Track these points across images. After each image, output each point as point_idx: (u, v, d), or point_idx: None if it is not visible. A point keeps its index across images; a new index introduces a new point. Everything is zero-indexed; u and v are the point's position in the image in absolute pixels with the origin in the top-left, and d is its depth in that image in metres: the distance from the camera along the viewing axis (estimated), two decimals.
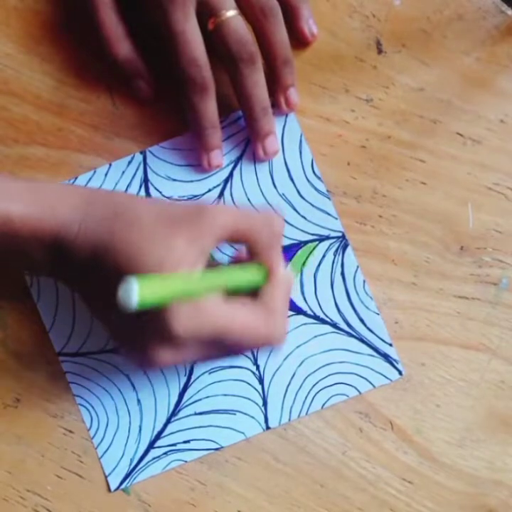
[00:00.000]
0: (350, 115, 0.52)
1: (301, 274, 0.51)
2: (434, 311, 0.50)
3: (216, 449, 0.50)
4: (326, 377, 0.50)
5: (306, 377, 0.50)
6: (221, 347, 0.44)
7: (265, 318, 0.44)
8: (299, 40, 0.52)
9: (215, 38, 0.49)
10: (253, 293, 0.44)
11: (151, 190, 0.52)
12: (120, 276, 0.38)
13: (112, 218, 0.42)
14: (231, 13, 0.48)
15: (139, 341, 0.43)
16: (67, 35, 0.53)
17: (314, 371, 0.50)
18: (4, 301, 0.51)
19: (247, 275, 0.44)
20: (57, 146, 0.52)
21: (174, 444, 0.50)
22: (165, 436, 0.50)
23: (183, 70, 0.49)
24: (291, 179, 0.52)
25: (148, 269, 0.41)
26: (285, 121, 0.52)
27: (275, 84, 0.51)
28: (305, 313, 0.51)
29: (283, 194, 0.51)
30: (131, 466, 0.50)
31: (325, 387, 0.50)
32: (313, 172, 0.51)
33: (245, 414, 0.50)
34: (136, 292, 0.36)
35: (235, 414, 0.50)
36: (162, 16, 0.48)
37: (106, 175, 0.52)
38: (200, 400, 0.50)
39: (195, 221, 0.42)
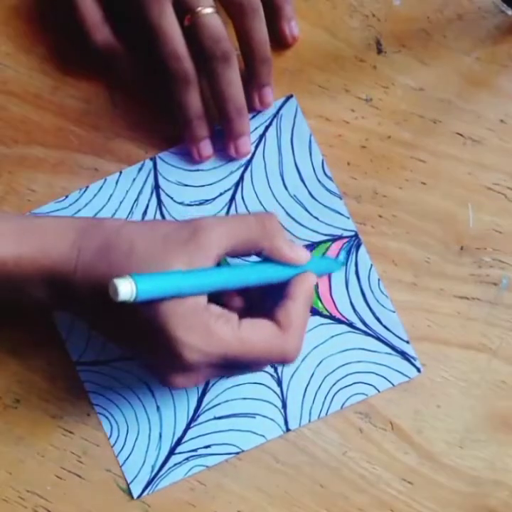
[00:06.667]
0: (350, 115, 0.52)
1: None
2: (435, 312, 0.50)
3: (237, 453, 0.50)
4: (345, 377, 0.50)
5: (325, 378, 0.50)
6: (235, 367, 0.44)
7: (279, 337, 0.43)
8: (278, 42, 0.51)
9: (190, 35, 0.48)
10: (267, 313, 0.44)
11: (163, 196, 0.51)
12: (124, 306, 0.38)
13: (107, 248, 0.42)
14: (207, 10, 0.48)
15: (152, 366, 0.44)
16: (66, 34, 0.53)
17: (332, 371, 0.50)
18: None
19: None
20: (57, 146, 0.52)
21: (195, 450, 0.50)
22: (185, 441, 0.50)
23: (164, 64, 0.48)
24: (302, 180, 0.51)
25: None
26: (294, 123, 0.51)
27: (251, 82, 0.50)
28: (321, 314, 0.50)
29: (294, 195, 0.51)
30: (153, 473, 0.50)
31: (344, 387, 0.50)
32: (324, 172, 0.51)
33: (265, 417, 0.50)
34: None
35: (254, 417, 0.50)
36: (139, 11, 0.48)
37: (117, 183, 0.52)
38: (219, 404, 0.50)
39: (190, 241, 0.42)
